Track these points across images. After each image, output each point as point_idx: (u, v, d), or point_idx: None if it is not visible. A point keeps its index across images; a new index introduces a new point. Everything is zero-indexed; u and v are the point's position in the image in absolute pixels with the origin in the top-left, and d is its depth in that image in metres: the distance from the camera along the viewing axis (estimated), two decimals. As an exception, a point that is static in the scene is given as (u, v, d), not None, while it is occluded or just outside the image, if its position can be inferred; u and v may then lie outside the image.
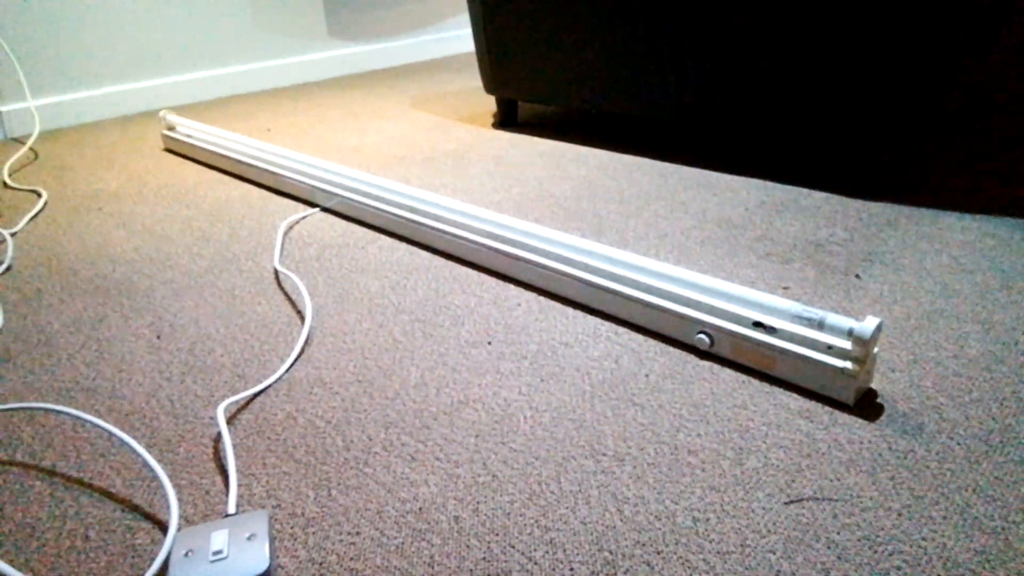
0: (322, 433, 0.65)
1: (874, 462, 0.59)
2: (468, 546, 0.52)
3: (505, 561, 0.51)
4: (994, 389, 0.67)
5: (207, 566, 0.47)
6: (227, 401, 0.67)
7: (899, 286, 0.87)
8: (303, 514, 0.56)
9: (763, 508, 0.54)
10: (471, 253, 0.97)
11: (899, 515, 0.53)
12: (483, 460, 0.61)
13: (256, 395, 0.71)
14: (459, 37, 2.87)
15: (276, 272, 0.98)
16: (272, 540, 0.52)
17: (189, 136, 1.53)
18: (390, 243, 1.06)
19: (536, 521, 0.54)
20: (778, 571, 0.49)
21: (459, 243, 0.98)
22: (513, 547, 0.52)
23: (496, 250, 0.93)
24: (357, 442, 0.63)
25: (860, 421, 0.64)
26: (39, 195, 1.34)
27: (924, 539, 0.51)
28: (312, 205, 1.22)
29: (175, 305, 0.90)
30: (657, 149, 1.47)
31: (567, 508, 0.55)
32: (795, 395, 0.68)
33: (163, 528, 0.55)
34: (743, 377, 0.71)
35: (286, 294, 0.91)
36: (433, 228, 1.01)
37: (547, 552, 0.51)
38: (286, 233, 1.11)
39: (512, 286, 0.91)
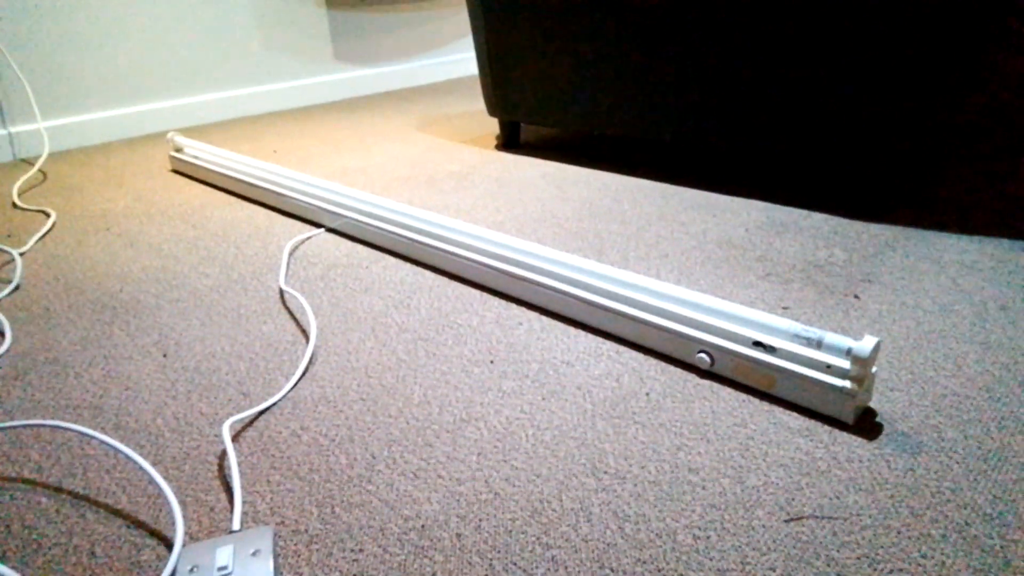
0: (326, 451, 0.65)
1: (873, 481, 0.59)
2: (470, 563, 0.53)
3: (507, 578, 0.51)
4: (992, 409, 0.68)
5: (212, 582, 0.48)
6: (232, 419, 0.68)
7: (898, 306, 0.88)
8: (307, 531, 0.56)
9: (763, 526, 0.55)
10: (474, 273, 0.98)
11: (898, 533, 0.54)
12: (485, 478, 0.61)
13: (261, 413, 0.71)
14: (463, 61, 2.91)
15: (281, 292, 0.99)
16: (276, 556, 0.53)
17: (196, 157, 1.55)
18: (394, 263, 1.07)
19: (538, 538, 0.55)
20: (778, 589, 0.49)
21: (462, 263, 0.99)
22: (515, 564, 0.52)
23: (498, 270, 0.94)
24: (360, 459, 0.64)
25: (859, 440, 0.64)
26: (48, 215, 1.36)
27: (923, 557, 0.51)
28: (317, 225, 1.24)
29: (181, 324, 0.91)
30: (658, 171, 1.48)
31: (568, 526, 0.56)
32: (795, 414, 0.68)
33: (168, 544, 0.56)
34: (743, 396, 0.71)
35: (291, 313, 0.92)
36: (436, 248, 1.02)
37: (549, 569, 0.52)
38: (291, 253, 1.12)
39: (514, 305, 0.92)
